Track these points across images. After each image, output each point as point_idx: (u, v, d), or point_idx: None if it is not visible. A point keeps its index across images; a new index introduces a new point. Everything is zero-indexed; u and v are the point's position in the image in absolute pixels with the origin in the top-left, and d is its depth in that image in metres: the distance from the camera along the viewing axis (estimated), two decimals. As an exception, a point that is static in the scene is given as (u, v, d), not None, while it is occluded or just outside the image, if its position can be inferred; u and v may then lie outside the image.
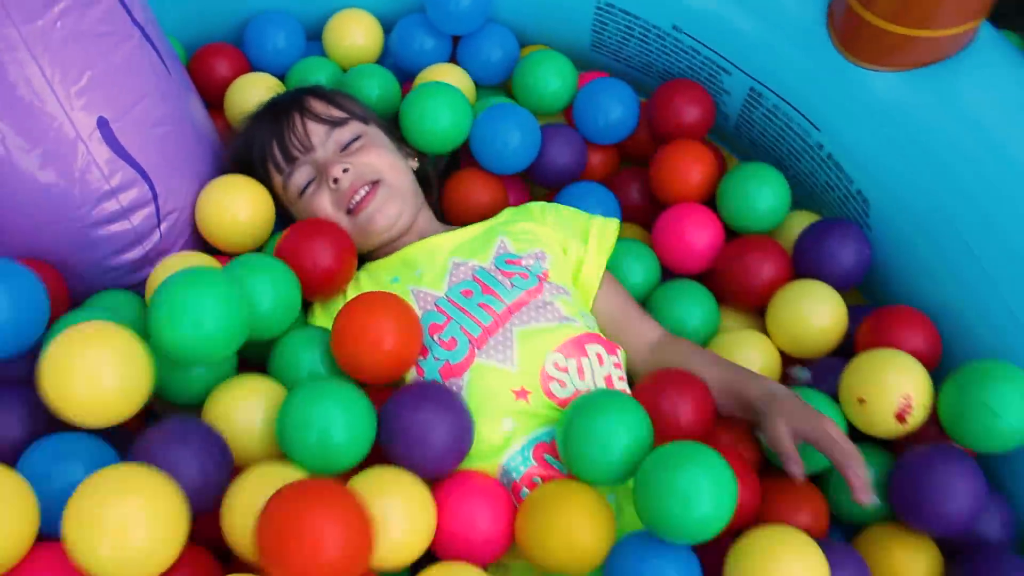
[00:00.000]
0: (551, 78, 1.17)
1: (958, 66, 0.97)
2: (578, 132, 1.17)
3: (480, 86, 1.26)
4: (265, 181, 1.03)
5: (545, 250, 0.98)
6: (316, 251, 0.90)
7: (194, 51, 1.25)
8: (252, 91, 1.15)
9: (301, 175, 1.00)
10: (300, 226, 0.92)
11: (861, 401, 0.87)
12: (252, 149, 1.03)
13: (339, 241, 0.92)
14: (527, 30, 1.27)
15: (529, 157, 1.11)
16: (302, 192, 1.00)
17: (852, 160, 1.03)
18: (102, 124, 0.89)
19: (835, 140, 1.04)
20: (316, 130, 1.00)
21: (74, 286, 0.94)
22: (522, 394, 0.85)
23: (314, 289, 0.91)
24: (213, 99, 1.19)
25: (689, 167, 1.09)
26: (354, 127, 1.02)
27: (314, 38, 1.31)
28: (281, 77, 1.22)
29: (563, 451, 0.80)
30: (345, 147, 1.00)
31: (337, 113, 1.02)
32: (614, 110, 1.13)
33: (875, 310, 0.98)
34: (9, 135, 0.84)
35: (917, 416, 0.85)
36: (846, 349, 0.99)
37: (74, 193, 0.88)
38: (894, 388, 0.85)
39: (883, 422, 0.86)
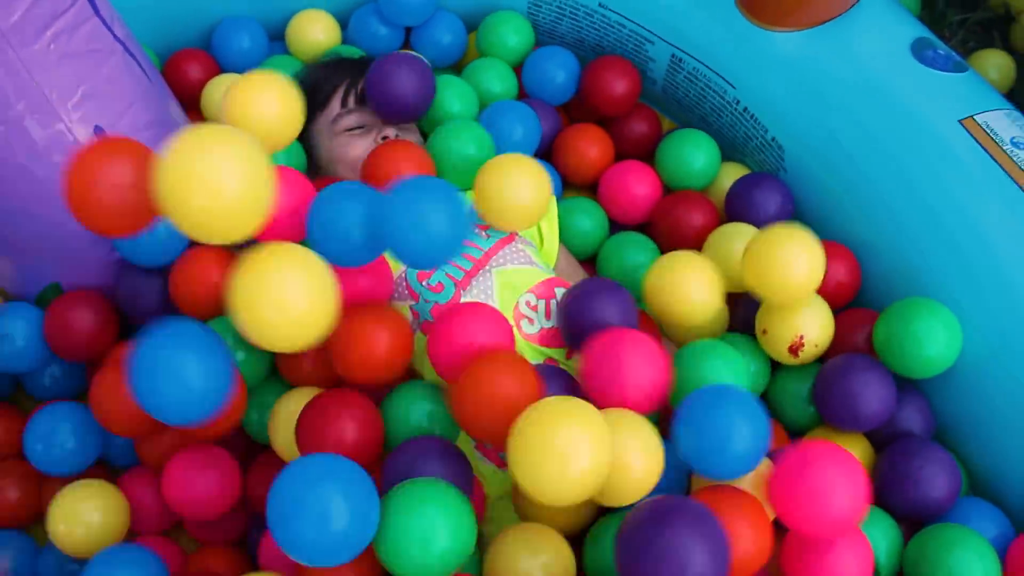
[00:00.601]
0: (510, 35, 1.30)
1: (850, 22, 1.10)
2: (551, 105, 1.28)
3: (434, 68, 1.36)
4: (319, 105, 1.16)
5: None
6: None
7: (167, 58, 1.32)
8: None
9: (358, 118, 1.14)
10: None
11: (764, 332, 1.00)
12: (332, 76, 1.16)
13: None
14: (470, 16, 1.37)
15: (530, 150, 1.22)
16: (349, 129, 1.14)
17: (765, 112, 1.16)
18: (99, 131, 0.98)
19: (749, 95, 1.17)
20: None
21: (87, 281, 1.04)
22: None
23: None
24: (188, 100, 1.26)
25: (588, 148, 1.24)
26: None
27: (275, 39, 1.39)
28: (250, 76, 1.32)
29: None
30: (399, 123, 1.15)
31: None
32: (558, 75, 1.27)
33: None
34: (20, 149, 0.94)
35: (808, 352, 0.98)
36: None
37: (79, 196, 0.99)
38: (791, 327, 0.98)
39: (780, 352, 1.00)
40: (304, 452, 0.82)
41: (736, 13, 1.15)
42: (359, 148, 1.13)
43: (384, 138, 1.12)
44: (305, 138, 1.18)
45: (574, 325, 0.91)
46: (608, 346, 0.80)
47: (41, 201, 0.97)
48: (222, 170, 0.61)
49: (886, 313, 0.97)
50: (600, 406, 0.73)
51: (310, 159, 1.19)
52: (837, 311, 1.03)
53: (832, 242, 1.07)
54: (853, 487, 0.71)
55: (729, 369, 0.90)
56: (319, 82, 1.17)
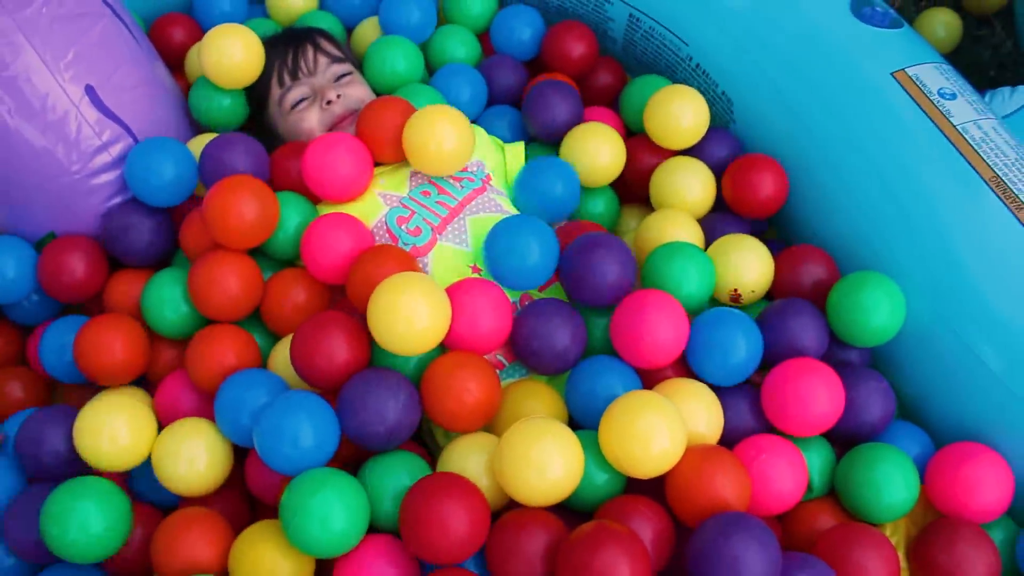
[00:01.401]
0: (475, 4, 1.37)
1: (793, -18, 1.17)
2: (519, 61, 1.35)
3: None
4: (264, 94, 1.23)
5: (484, 160, 1.18)
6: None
7: (152, 22, 1.38)
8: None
9: (298, 92, 1.20)
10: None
11: None
12: (264, 63, 1.21)
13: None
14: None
15: (477, 109, 1.30)
16: (294, 106, 1.20)
17: (715, 67, 1.22)
18: (89, 91, 1.04)
19: (700, 51, 1.23)
20: (321, 60, 1.22)
21: (81, 229, 1.11)
22: (476, 269, 1.06)
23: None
24: (173, 62, 1.33)
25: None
26: (347, 66, 1.24)
27: (255, 2, 1.45)
28: (230, 39, 1.38)
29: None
30: (338, 79, 1.22)
31: (337, 52, 1.25)
32: (525, 32, 1.34)
33: (733, 161, 1.16)
34: (13, 108, 1.00)
35: (746, 300, 1.07)
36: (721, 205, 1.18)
37: (72, 151, 1.04)
38: (728, 281, 1.06)
39: (723, 299, 1.08)
40: (297, 362, 0.91)
41: (687, -26, 1.21)
42: (310, 120, 1.19)
43: (328, 102, 1.18)
44: (267, 126, 1.25)
45: (576, 279, 0.99)
46: (635, 307, 0.94)
47: (36, 156, 1.03)
48: (416, 309, 0.88)
49: (836, 286, 1.03)
50: (628, 361, 0.95)
51: (276, 141, 1.23)
52: (776, 245, 1.12)
53: (760, 155, 1.16)
54: (832, 394, 0.94)
55: (697, 270, 1.01)
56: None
